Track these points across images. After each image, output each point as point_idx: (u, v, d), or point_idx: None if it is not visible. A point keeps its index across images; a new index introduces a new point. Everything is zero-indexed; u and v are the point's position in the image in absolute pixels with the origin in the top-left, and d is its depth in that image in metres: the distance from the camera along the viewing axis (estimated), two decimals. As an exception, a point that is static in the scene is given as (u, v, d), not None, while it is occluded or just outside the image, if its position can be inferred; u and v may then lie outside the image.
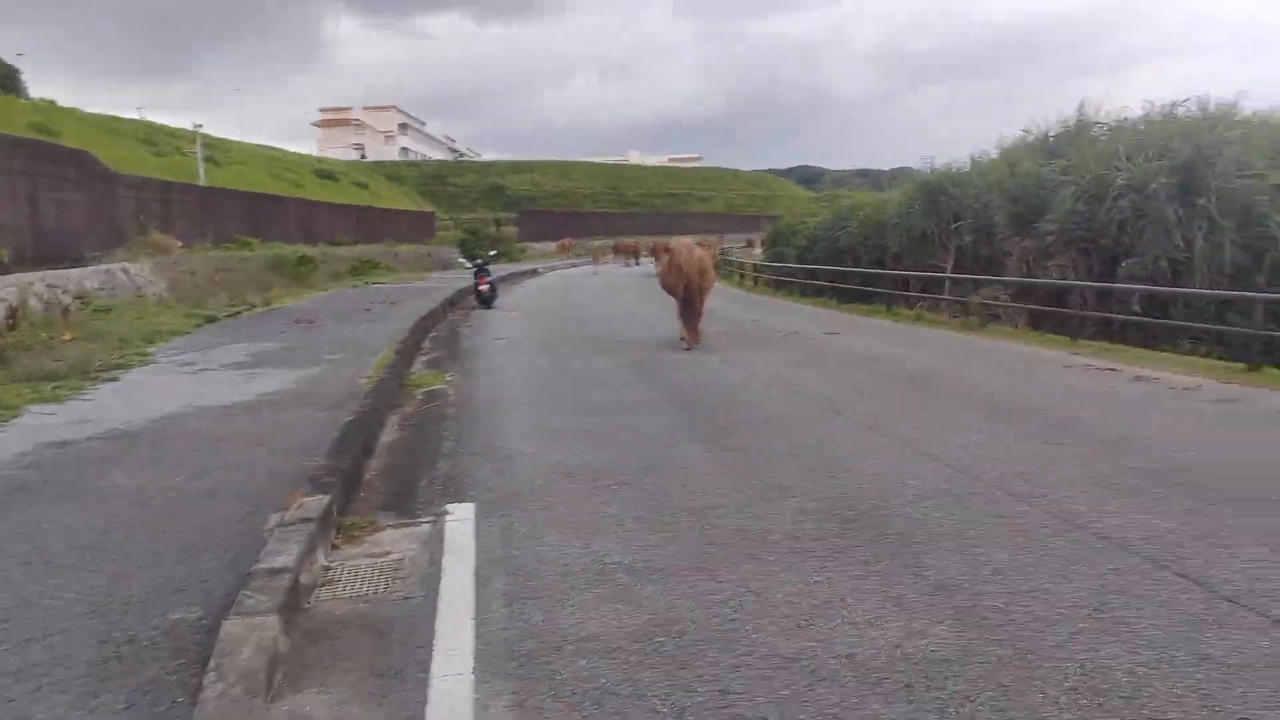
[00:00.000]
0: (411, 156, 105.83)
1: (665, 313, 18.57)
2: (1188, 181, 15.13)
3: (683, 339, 14.98)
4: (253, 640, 3.80)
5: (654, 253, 24.00)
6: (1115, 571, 4.62)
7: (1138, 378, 10.49)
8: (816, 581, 4.67)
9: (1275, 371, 10.71)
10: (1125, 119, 18.80)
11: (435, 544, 5.54)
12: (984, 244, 20.42)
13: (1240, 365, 10.89)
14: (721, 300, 25.93)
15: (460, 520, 5.97)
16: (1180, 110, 17.37)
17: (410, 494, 6.67)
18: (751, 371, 11.65)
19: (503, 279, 34.73)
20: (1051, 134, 20.24)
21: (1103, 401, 9.12)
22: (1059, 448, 7.18)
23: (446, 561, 5.24)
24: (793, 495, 6.16)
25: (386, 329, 16.17)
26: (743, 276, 37.02)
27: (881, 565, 4.86)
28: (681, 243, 16.00)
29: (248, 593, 4.23)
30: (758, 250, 50.56)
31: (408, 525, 5.97)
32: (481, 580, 4.88)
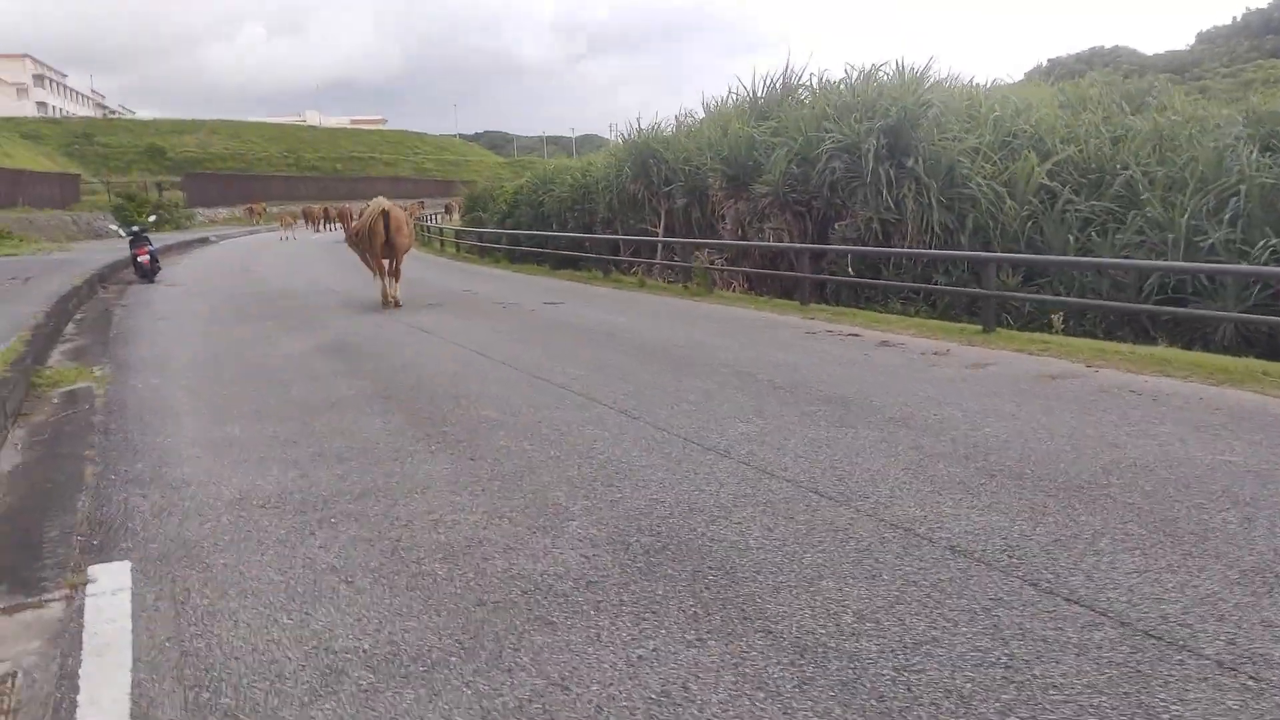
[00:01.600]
0: (51, 113, 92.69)
1: (364, 284, 16.63)
2: (895, 143, 15.30)
3: (386, 303, 14.74)
4: None
5: (342, 219, 22.29)
6: (997, 602, 3.71)
7: (883, 343, 10.10)
8: (641, 657, 3.40)
9: (1009, 333, 10.75)
10: (829, 81, 18.96)
11: (70, 639, 3.77)
12: (697, 207, 20.02)
13: (974, 327, 10.86)
14: (427, 269, 24.14)
15: (109, 593, 4.18)
16: (881, 74, 17.67)
17: (33, 553, 4.72)
18: (478, 352, 10.17)
19: (168, 249, 30.75)
20: (759, 95, 20.11)
21: (864, 371, 8.54)
22: (851, 431, 6.36)
23: (87, 671, 3.51)
24: (572, 519, 4.84)
25: (14, 312, 13.09)
26: (443, 243, 35.10)
27: (716, 620, 3.67)
28: (377, 201, 15.31)
29: None
30: (456, 216, 48.68)
31: (25, 608, 4.11)
32: (143, 705, 3.20)
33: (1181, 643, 3.34)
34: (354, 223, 16.12)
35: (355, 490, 5.45)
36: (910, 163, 14.97)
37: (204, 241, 41.30)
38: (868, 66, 17.92)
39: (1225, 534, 4.32)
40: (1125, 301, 12.92)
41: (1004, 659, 3.27)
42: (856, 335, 10.70)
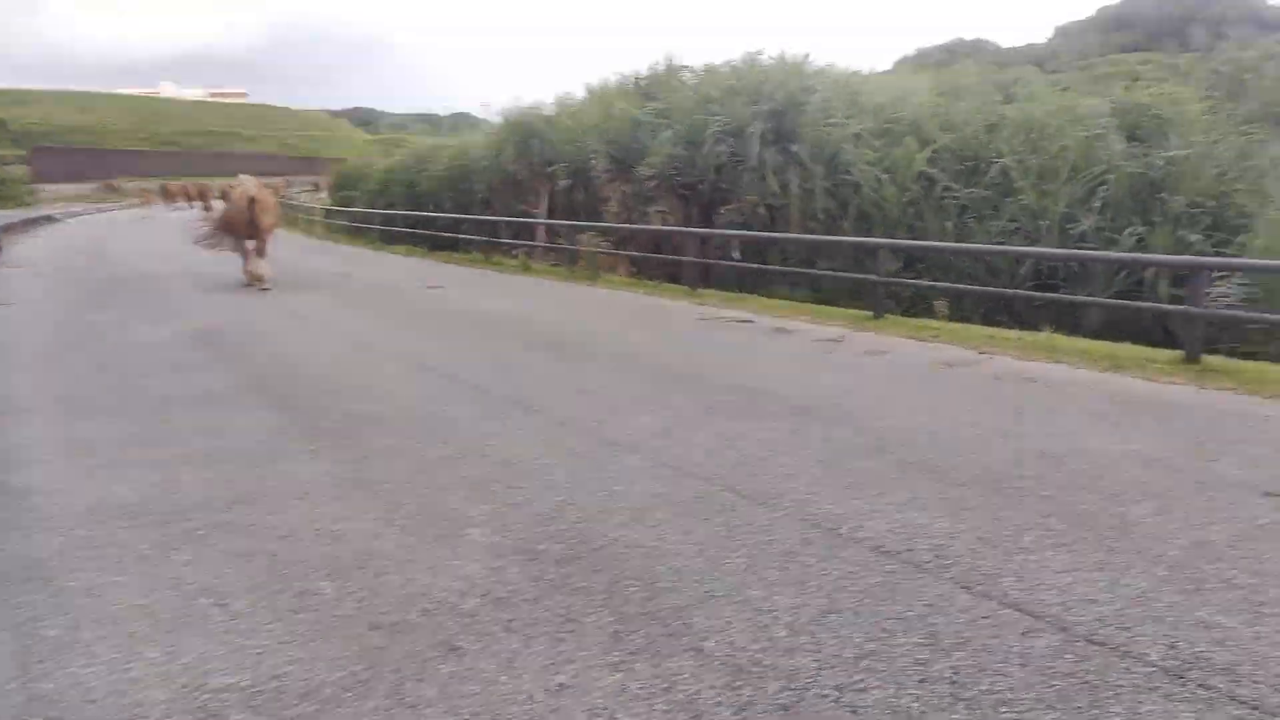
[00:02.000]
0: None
1: (231, 268, 15.67)
2: (780, 127, 15.27)
3: (252, 284, 14.36)
4: None
5: (202, 196, 21.35)
6: (933, 609, 3.54)
7: (778, 329, 10.00)
8: (561, 684, 3.08)
9: (898, 319, 10.79)
10: (713, 65, 18.80)
11: (-111, 684, 3.20)
12: (581, 189, 19.63)
13: (864, 313, 10.87)
14: (298, 251, 23.08)
15: (-61, 626, 3.60)
16: (764, 59, 17.62)
17: None
18: (359, 342, 9.61)
19: (10, 227, 28.57)
20: (642, 78, 19.83)
21: (763, 359, 8.39)
22: (758, 423, 6.17)
23: (-90, 724, 2.97)
24: (472, 526, 4.48)
25: None
26: (312, 223, 33.72)
27: (640, 638, 3.38)
28: (241, 180, 15.11)
29: None
30: (324, 195, 46.95)
31: None
32: (-24, 772, 2.72)
33: (1124, 648, 3.22)
34: (217, 211, 15.62)
35: (226, 497, 4.94)
36: (795, 148, 14.95)
37: (49, 220, 38.59)
38: (749, 50, 17.83)
39: (1144, 528, 4.28)
40: (1001, 287, 13.21)
41: (948, 673, 3.09)
42: (749, 321, 10.57)
